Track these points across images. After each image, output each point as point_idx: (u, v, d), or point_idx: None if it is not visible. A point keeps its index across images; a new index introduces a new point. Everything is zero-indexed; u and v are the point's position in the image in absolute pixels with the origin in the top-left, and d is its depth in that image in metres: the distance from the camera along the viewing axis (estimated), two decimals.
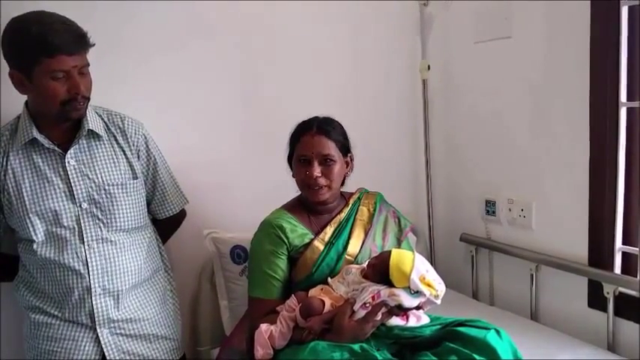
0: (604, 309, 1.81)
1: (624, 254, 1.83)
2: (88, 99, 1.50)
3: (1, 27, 1.46)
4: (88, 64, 1.47)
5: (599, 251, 1.84)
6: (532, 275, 2.06)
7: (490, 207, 2.24)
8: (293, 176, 1.63)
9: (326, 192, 1.57)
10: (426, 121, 2.45)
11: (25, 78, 1.42)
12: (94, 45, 1.47)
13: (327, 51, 2.23)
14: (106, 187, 1.54)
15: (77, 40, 1.42)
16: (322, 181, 1.55)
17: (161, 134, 1.74)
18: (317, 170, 1.55)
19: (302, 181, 1.58)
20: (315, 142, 1.56)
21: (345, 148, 1.62)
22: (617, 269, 1.83)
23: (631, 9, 1.72)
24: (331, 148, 1.57)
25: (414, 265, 1.40)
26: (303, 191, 1.61)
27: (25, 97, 1.52)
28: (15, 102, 1.56)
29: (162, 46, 1.91)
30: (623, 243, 1.82)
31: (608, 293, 1.79)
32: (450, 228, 2.46)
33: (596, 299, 1.85)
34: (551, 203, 2.00)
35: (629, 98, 1.76)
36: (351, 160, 1.66)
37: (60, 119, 1.49)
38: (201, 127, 2.01)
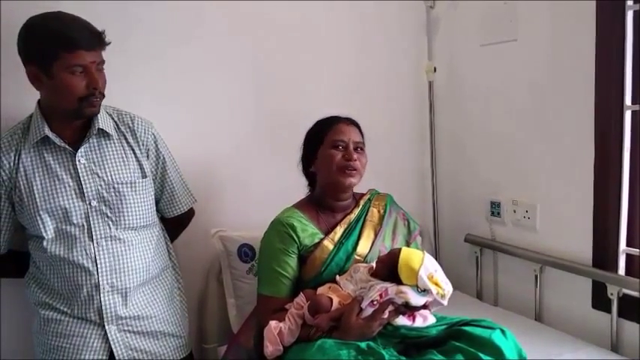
0: (608, 310, 1.82)
1: (628, 256, 1.83)
2: (104, 96, 1.51)
3: (0, 26, 1.49)
4: (104, 62, 1.50)
5: (604, 253, 1.85)
6: (536, 276, 2.06)
7: (495, 208, 2.25)
8: (311, 170, 1.65)
9: (357, 176, 1.60)
10: (432, 123, 2.46)
11: (43, 74, 1.44)
12: (109, 43, 1.50)
13: (335, 52, 2.24)
14: (116, 186, 1.55)
15: (95, 37, 1.46)
16: (357, 164, 1.58)
17: (169, 133, 1.75)
18: (354, 154, 1.58)
19: (337, 164, 1.58)
20: (349, 130, 1.61)
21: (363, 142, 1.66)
22: (621, 271, 1.83)
23: (636, 13, 1.73)
24: (361, 137, 1.63)
25: (423, 262, 1.41)
26: (335, 177, 1.59)
27: (37, 97, 1.53)
28: (15, 103, 1.58)
29: (172, 43, 1.92)
30: (627, 245, 1.83)
31: (612, 294, 1.80)
32: (454, 229, 2.47)
33: (600, 300, 1.86)
34: (555, 205, 2.01)
35: (634, 102, 1.77)
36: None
37: (75, 116, 1.50)
38: (209, 126, 2.02)
